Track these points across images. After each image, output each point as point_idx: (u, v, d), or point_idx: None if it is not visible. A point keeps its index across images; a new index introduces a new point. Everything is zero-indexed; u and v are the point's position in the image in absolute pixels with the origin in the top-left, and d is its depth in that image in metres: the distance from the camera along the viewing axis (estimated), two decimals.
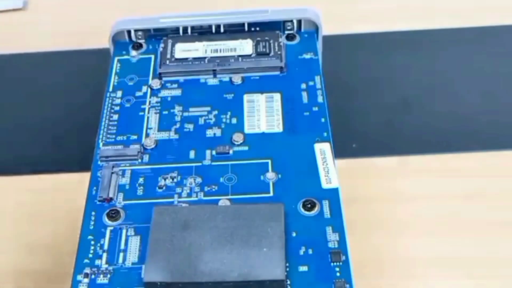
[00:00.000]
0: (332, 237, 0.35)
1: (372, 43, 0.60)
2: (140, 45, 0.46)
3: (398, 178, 0.50)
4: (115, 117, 0.42)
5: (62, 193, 0.50)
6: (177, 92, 0.43)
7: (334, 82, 0.42)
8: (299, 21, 0.47)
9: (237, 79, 0.44)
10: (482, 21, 0.61)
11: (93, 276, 0.34)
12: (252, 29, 0.47)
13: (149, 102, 0.43)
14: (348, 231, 0.35)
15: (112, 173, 0.38)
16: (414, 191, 0.49)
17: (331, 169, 0.38)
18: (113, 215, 0.36)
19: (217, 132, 0.41)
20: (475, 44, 0.60)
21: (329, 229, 0.35)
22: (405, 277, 0.44)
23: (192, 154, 0.40)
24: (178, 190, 0.38)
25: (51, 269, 0.45)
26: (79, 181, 0.41)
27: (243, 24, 0.46)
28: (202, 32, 0.47)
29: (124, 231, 0.36)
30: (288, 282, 0.33)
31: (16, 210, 0.49)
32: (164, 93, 0.43)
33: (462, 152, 0.51)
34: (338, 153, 0.39)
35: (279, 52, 0.45)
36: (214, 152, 0.39)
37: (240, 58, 0.45)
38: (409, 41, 0.60)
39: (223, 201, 0.37)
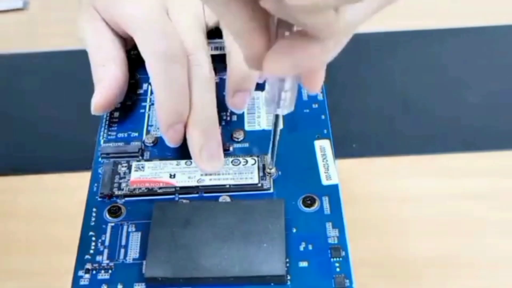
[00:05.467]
0: (332, 233, 0.35)
1: (372, 43, 0.60)
2: None
3: (398, 178, 0.50)
4: (116, 114, 0.42)
5: (62, 193, 0.50)
6: None
7: (334, 82, 0.42)
8: None
9: None
10: (482, 21, 0.61)
11: (94, 272, 0.34)
12: None
13: (150, 99, 0.43)
14: (348, 231, 0.35)
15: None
16: (414, 191, 0.49)
17: (331, 166, 0.38)
18: (115, 211, 0.37)
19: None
20: (476, 44, 0.60)
21: (329, 225, 0.35)
22: (405, 276, 0.44)
23: None
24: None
25: (52, 268, 0.45)
26: (80, 181, 0.41)
27: None
28: None
29: (125, 227, 0.36)
30: (288, 278, 0.33)
31: (16, 210, 0.49)
32: None
33: (462, 152, 0.51)
34: (338, 153, 0.39)
35: None
36: None
37: None
38: (410, 41, 0.61)
39: (224, 198, 0.37)
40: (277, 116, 0.35)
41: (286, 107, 0.32)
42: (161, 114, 0.38)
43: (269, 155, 0.37)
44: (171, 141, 0.38)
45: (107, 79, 0.40)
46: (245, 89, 0.39)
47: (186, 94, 0.39)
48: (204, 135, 0.38)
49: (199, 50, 0.41)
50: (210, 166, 0.37)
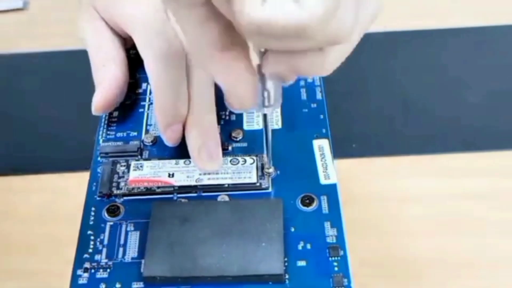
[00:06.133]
0: (330, 232, 0.35)
1: (372, 43, 0.60)
2: None
3: (398, 178, 0.50)
4: (115, 113, 0.42)
5: (62, 193, 0.50)
6: None
7: (334, 82, 0.43)
8: None
9: None
10: (482, 21, 0.61)
11: (93, 271, 0.34)
12: None
13: (149, 98, 0.43)
14: (348, 231, 0.35)
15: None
16: (414, 191, 0.49)
17: (330, 165, 0.38)
18: (113, 210, 0.37)
19: None
20: (476, 44, 0.60)
21: (327, 224, 0.35)
22: (405, 276, 0.44)
23: None
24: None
25: (51, 268, 0.45)
26: (79, 181, 0.41)
27: None
28: None
29: (123, 226, 0.36)
30: (287, 277, 0.33)
31: (16, 210, 0.49)
32: None
33: (462, 152, 0.51)
34: (338, 153, 0.39)
35: None
36: None
37: None
38: (410, 41, 0.61)
39: (222, 197, 0.37)
40: (265, 116, 0.35)
41: (271, 106, 0.31)
42: (160, 114, 0.38)
43: (265, 155, 0.37)
44: (170, 141, 0.38)
45: (107, 79, 0.41)
46: None
47: (185, 94, 0.39)
48: (203, 135, 0.38)
49: None
50: (208, 165, 0.37)
